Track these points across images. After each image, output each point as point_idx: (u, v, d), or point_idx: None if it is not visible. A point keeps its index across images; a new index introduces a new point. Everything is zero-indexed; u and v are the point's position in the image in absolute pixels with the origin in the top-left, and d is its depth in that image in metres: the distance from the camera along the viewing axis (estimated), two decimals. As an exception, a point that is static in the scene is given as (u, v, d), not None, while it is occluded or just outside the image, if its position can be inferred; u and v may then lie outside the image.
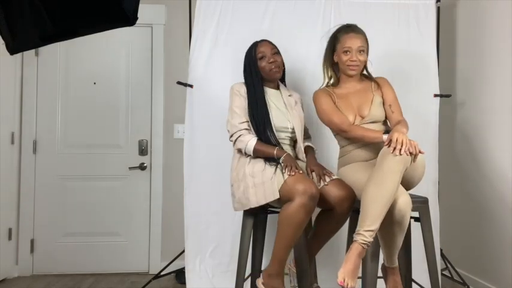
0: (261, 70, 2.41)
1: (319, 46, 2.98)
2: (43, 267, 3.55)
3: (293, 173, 2.14)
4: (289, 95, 2.52)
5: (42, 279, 3.44)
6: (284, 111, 2.43)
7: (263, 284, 2.23)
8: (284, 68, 2.52)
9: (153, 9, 3.56)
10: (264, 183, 2.18)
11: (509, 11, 2.82)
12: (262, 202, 2.19)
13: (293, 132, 2.43)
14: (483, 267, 3.03)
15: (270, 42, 2.47)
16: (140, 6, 1.39)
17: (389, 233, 2.10)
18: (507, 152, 2.81)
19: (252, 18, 2.96)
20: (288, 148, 2.41)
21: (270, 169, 2.21)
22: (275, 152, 2.25)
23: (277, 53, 2.45)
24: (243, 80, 2.47)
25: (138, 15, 1.38)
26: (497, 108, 2.92)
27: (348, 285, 1.92)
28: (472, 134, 3.16)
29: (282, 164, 2.21)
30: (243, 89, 2.41)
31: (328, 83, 2.51)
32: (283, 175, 2.15)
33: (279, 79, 2.52)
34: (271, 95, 2.46)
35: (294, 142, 2.46)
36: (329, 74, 2.49)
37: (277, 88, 2.52)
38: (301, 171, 2.18)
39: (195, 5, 2.95)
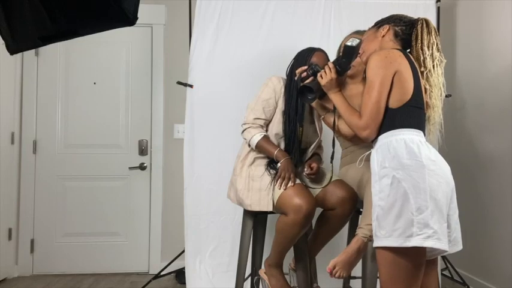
0: None
1: (319, 46, 2.99)
2: (43, 267, 3.55)
3: (284, 188, 2.13)
4: None
5: (42, 279, 3.44)
6: (308, 124, 2.37)
7: (265, 272, 2.29)
8: None
9: (153, 9, 3.55)
10: (261, 191, 2.18)
11: (509, 11, 2.82)
12: (256, 209, 2.19)
13: (310, 144, 2.38)
14: (483, 267, 3.03)
15: (326, 55, 2.35)
16: (140, 6, 1.39)
17: None
18: (507, 152, 2.81)
19: (252, 18, 2.96)
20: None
21: (267, 178, 2.20)
22: (275, 152, 2.23)
23: None
24: (266, 77, 2.38)
25: (138, 15, 1.39)
26: (497, 108, 2.92)
27: (336, 273, 1.93)
28: (472, 133, 3.16)
29: (278, 171, 2.18)
30: (280, 86, 2.31)
31: None
32: (279, 187, 2.14)
33: None
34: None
35: (305, 149, 2.42)
36: None
37: None
38: (296, 182, 2.15)
39: (195, 5, 2.95)
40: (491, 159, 2.98)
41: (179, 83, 2.95)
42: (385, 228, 1.59)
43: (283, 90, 2.30)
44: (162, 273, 3.15)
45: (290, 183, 2.14)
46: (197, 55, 2.93)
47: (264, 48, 2.94)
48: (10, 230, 3.46)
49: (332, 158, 2.03)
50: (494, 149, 2.95)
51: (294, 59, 2.35)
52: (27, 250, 3.54)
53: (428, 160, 1.61)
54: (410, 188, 1.56)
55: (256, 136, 2.24)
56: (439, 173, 1.61)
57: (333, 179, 2.26)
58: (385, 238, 1.58)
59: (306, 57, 2.30)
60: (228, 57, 2.93)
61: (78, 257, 3.56)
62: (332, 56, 2.36)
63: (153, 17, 3.59)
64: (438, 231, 1.55)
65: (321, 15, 3.01)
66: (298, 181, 2.18)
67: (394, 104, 1.69)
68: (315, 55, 2.30)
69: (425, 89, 1.79)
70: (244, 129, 2.31)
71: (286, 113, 2.27)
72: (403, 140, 1.64)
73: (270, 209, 2.16)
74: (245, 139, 2.31)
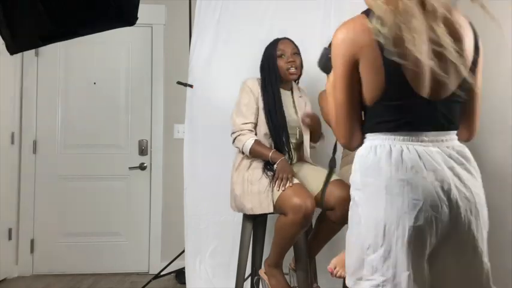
0: (278, 69, 2.34)
1: (319, 46, 2.99)
2: (43, 267, 3.55)
3: (283, 188, 2.13)
4: (300, 96, 2.47)
5: (42, 279, 3.44)
6: (293, 115, 2.38)
7: (265, 272, 2.29)
8: (302, 70, 2.43)
9: (153, 9, 3.55)
10: (260, 193, 2.18)
11: (509, 11, 2.81)
12: (258, 212, 2.20)
13: (300, 135, 2.39)
14: (483, 267, 3.03)
15: (292, 41, 2.39)
16: (140, 6, 1.39)
17: None
18: (507, 151, 2.81)
19: (252, 17, 2.96)
20: (293, 151, 2.37)
21: (266, 180, 2.20)
22: (270, 154, 2.22)
23: (297, 53, 2.37)
24: (254, 76, 2.41)
25: (138, 15, 1.39)
26: (497, 107, 2.92)
27: (337, 272, 1.92)
28: (472, 134, 3.16)
29: (275, 172, 2.19)
30: (256, 86, 2.34)
31: None
32: (278, 187, 2.14)
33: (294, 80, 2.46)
34: (283, 96, 2.39)
35: (300, 144, 2.43)
36: None
37: (290, 89, 2.46)
38: (295, 182, 2.15)
39: (195, 5, 2.95)
40: (491, 160, 2.98)
41: (179, 83, 2.95)
42: (346, 260, 1.31)
43: (259, 89, 2.33)
44: (162, 273, 3.15)
45: (288, 184, 2.14)
46: (197, 55, 2.93)
47: (264, 48, 2.94)
48: (10, 230, 3.46)
49: (334, 150, 2.01)
50: (494, 150, 2.95)
51: (263, 55, 2.40)
52: (27, 250, 3.54)
53: (394, 180, 1.16)
54: (365, 217, 1.21)
55: (248, 142, 2.25)
56: (410, 197, 1.14)
57: (333, 178, 2.25)
58: (346, 272, 1.31)
59: (272, 50, 2.37)
60: (228, 57, 2.92)
61: (78, 257, 3.55)
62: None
63: (153, 17, 3.59)
64: (390, 280, 1.14)
65: (321, 15, 3.00)
66: (296, 181, 2.18)
67: (366, 100, 1.25)
68: (280, 43, 2.37)
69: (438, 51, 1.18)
70: (235, 138, 2.32)
71: (266, 109, 2.28)
72: (373, 148, 1.24)
73: (271, 210, 2.16)
74: (237, 147, 2.32)
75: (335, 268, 1.93)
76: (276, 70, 2.33)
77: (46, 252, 3.55)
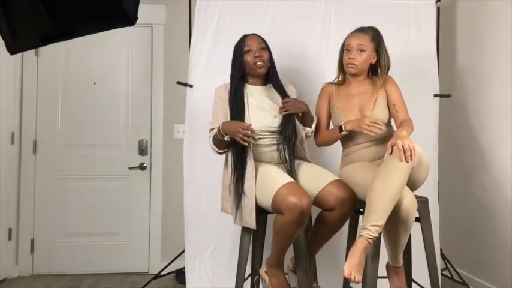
0: (245, 64, 2.34)
1: (319, 46, 2.99)
2: (43, 267, 3.55)
3: (253, 142, 2.20)
4: (279, 92, 2.42)
5: (42, 279, 3.44)
6: (269, 109, 2.34)
7: (266, 272, 2.29)
8: (273, 66, 2.42)
9: (153, 9, 3.55)
10: (245, 207, 2.20)
11: (509, 11, 2.81)
12: (239, 224, 2.24)
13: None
14: (483, 267, 3.03)
15: (259, 37, 2.39)
16: (140, 6, 1.39)
17: (393, 232, 2.10)
18: (507, 151, 2.81)
19: (252, 18, 2.96)
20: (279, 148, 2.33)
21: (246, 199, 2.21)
22: (218, 128, 2.25)
23: (265, 48, 2.36)
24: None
25: (138, 15, 1.38)
26: (497, 108, 2.92)
27: (354, 278, 1.90)
28: (472, 134, 3.16)
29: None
30: (223, 91, 2.37)
31: (338, 80, 2.50)
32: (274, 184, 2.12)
33: (266, 76, 2.43)
34: (255, 92, 2.37)
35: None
36: (338, 76, 2.49)
37: (264, 85, 2.43)
38: (290, 180, 2.12)
39: (195, 5, 2.95)
40: (491, 160, 2.98)
41: (179, 83, 2.95)
42: None
43: (227, 93, 2.35)
44: (162, 273, 3.15)
45: (251, 136, 2.17)
46: (197, 55, 2.93)
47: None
48: (10, 230, 3.46)
49: None
50: (494, 149, 2.95)
51: (232, 52, 2.41)
52: (27, 250, 3.54)
53: None
54: None
55: (211, 134, 2.32)
56: None
57: (332, 179, 2.23)
58: None
59: (239, 46, 2.37)
60: (228, 57, 2.90)
61: (78, 257, 3.56)
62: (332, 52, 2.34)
63: (153, 17, 3.59)
64: None
65: (321, 15, 3.00)
66: (291, 179, 2.16)
67: None
68: (248, 39, 2.35)
69: None
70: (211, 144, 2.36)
71: (231, 103, 2.31)
72: None
73: (254, 227, 2.17)
74: (213, 148, 2.35)
75: (351, 274, 1.90)
76: (241, 67, 2.35)
77: (46, 252, 3.55)
